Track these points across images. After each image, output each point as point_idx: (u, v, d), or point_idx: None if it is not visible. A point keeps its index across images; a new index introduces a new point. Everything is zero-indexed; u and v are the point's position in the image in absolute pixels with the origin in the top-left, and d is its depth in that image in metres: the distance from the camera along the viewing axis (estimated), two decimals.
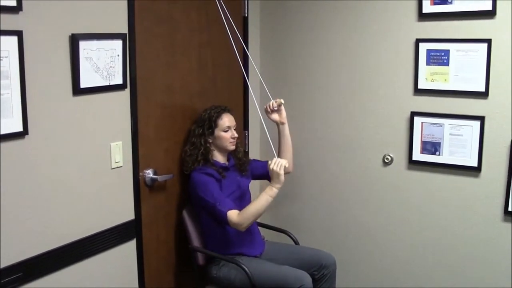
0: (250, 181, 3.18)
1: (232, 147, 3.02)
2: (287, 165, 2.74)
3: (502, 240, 2.95)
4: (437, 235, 3.15)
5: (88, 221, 2.50)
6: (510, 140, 2.85)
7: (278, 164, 2.72)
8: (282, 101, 3.06)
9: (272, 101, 3.05)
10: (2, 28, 2.02)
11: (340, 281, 3.16)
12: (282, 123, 3.12)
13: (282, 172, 2.71)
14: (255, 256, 2.97)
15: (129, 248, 2.75)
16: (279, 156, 3.13)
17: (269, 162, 2.76)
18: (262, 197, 2.77)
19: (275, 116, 3.09)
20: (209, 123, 2.96)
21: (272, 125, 3.34)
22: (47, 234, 2.31)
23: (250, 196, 3.15)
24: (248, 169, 3.16)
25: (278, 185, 2.74)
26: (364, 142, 3.33)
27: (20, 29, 2.08)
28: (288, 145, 3.17)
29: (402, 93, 3.14)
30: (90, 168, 2.49)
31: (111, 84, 2.53)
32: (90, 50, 2.39)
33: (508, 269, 2.93)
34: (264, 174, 3.10)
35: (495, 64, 2.84)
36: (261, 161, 3.27)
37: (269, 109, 3.07)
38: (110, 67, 2.51)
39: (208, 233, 2.95)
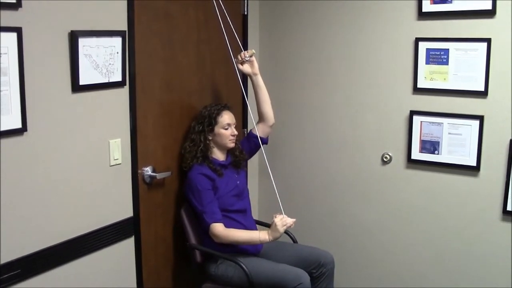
0: (246, 175, 3.20)
1: (232, 145, 3.01)
2: (292, 226, 2.76)
3: (501, 239, 2.95)
4: (435, 234, 3.15)
5: (86, 218, 2.50)
6: (509, 140, 2.85)
7: (283, 222, 2.74)
8: (254, 51, 3.05)
9: (244, 51, 3.03)
10: (2, 25, 2.02)
11: (338, 279, 3.16)
12: (255, 74, 3.10)
13: (282, 231, 2.74)
14: (253, 254, 2.97)
15: (128, 245, 2.75)
16: (258, 108, 3.14)
17: (275, 216, 2.77)
18: (255, 235, 2.84)
19: (247, 68, 3.07)
20: (209, 120, 2.96)
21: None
22: (45, 231, 2.31)
23: (248, 193, 3.16)
24: (243, 164, 3.18)
25: (272, 238, 2.78)
26: (363, 141, 3.33)
27: (19, 26, 2.08)
28: (266, 96, 3.16)
29: (401, 92, 3.14)
30: (89, 165, 2.49)
31: (110, 81, 2.53)
32: (89, 47, 2.39)
33: (507, 268, 2.94)
34: (256, 146, 3.15)
35: (495, 64, 2.84)
36: (243, 139, 3.26)
37: (240, 59, 3.04)
38: (109, 64, 2.51)
39: (206, 230, 2.95)
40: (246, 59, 3.03)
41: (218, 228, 2.85)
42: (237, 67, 3.04)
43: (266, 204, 3.71)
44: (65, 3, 2.27)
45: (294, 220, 2.76)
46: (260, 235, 2.82)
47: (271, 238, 2.78)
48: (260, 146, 3.09)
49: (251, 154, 3.26)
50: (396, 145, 3.21)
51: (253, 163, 3.61)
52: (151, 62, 2.82)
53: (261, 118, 3.18)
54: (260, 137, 3.04)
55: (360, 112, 3.31)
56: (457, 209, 3.07)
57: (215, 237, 2.86)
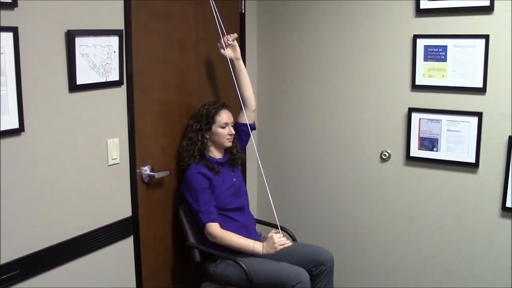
0: (242, 172, 3.23)
1: (229, 144, 3.01)
2: (289, 248, 2.78)
3: (500, 236, 2.95)
4: (434, 231, 3.15)
5: (85, 218, 2.50)
6: (508, 136, 2.85)
7: (281, 242, 2.77)
8: (236, 35, 3.05)
9: (227, 35, 3.02)
10: None
11: (338, 277, 3.16)
12: (237, 59, 3.09)
13: (279, 249, 2.76)
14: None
15: (126, 245, 2.75)
16: (240, 93, 3.09)
17: (274, 231, 2.81)
18: (250, 244, 2.85)
19: (229, 52, 3.06)
20: (207, 119, 2.96)
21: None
22: (44, 231, 2.30)
23: (246, 190, 3.17)
24: (239, 162, 3.18)
25: (266, 253, 2.80)
26: (362, 138, 3.32)
27: (15, 26, 2.07)
28: (247, 81, 3.15)
29: (400, 89, 3.14)
30: (87, 165, 2.48)
31: (107, 80, 2.52)
32: (86, 46, 2.38)
33: (505, 264, 2.94)
34: (246, 134, 3.15)
35: (493, 60, 2.83)
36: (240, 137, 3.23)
37: (223, 44, 3.02)
38: (107, 63, 2.50)
39: (202, 230, 2.94)
40: (229, 43, 3.03)
41: (214, 228, 2.86)
42: (220, 51, 3.05)
43: (266, 202, 3.70)
44: (61, 3, 2.26)
45: (291, 244, 2.80)
46: (255, 245, 2.84)
47: (264, 252, 2.81)
48: (249, 134, 3.11)
49: (243, 145, 3.25)
50: (395, 143, 3.21)
51: (252, 162, 3.61)
52: (149, 61, 2.81)
53: (244, 103, 3.14)
54: (248, 124, 3.06)
55: (358, 110, 3.31)
56: (456, 206, 3.07)
57: (210, 237, 2.87)
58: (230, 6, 3.36)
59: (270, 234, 2.81)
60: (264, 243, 2.82)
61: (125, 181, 2.71)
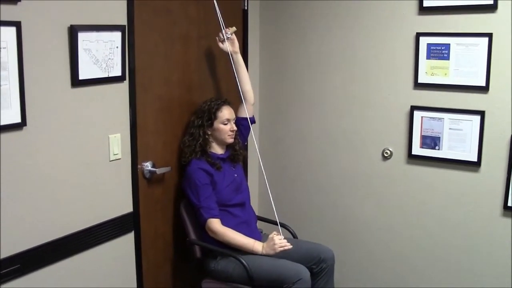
0: (243, 168, 3.23)
1: (231, 140, 3.01)
2: (288, 250, 2.80)
3: (502, 235, 2.94)
4: (436, 229, 3.15)
5: (86, 213, 2.50)
6: (510, 135, 2.84)
7: (281, 244, 2.80)
8: (235, 28, 3.04)
9: (225, 29, 3.01)
10: (1, 19, 2.00)
11: (339, 275, 3.16)
12: (236, 53, 3.09)
13: (278, 251, 2.79)
14: None
15: (127, 240, 2.75)
16: (240, 87, 3.08)
17: (275, 233, 2.84)
18: (250, 243, 2.87)
19: (227, 46, 3.05)
20: (209, 115, 2.96)
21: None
22: (45, 226, 2.30)
23: (247, 185, 3.17)
24: (240, 158, 3.18)
25: (265, 253, 2.83)
26: (364, 136, 3.32)
27: (18, 20, 2.07)
28: (246, 75, 3.16)
29: (402, 87, 3.13)
30: (89, 160, 2.48)
31: (110, 76, 2.52)
32: (89, 41, 2.38)
33: (507, 263, 2.93)
34: (245, 128, 3.17)
35: (496, 59, 2.83)
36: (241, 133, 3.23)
37: (222, 38, 3.02)
38: (109, 58, 2.50)
39: (203, 225, 2.94)
40: (228, 36, 3.02)
41: (214, 224, 2.86)
42: (219, 45, 3.05)
43: (267, 198, 3.70)
44: None
45: (291, 246, 2.81)
46: (254, 245, 2.85)
47: (264, 252, 2.83)
48: (249, 128, 3.12)
49: (244, 139, 3.26)
50: (397, 141, 3.20)
51: (253, 158, 3.61)
52: (151, 57, 2.81)
53: (243, 97, 3.13)
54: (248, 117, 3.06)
55: (360, 108, 3.30)
56: (457, 204, 3.06)
57: (211, 233, 2.87)
58: (233, 3, 3.36)
59: (271, 235, 2.82)
60: (264, 244, 2.83)
61: (127, 176, 2.71)
